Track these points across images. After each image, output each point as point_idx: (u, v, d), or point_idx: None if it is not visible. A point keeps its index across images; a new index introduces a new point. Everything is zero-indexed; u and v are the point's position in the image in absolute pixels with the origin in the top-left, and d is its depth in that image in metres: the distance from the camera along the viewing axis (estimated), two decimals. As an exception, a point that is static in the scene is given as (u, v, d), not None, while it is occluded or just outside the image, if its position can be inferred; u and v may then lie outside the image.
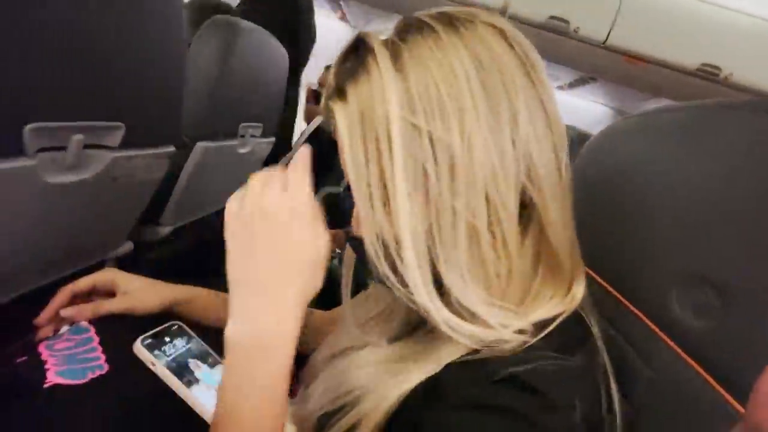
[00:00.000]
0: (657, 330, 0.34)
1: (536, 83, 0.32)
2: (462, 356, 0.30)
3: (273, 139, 1.18)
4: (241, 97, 0.93)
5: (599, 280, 0.42)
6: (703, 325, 0.30)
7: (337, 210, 1.34)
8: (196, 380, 0.43)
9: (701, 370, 0.30)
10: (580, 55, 1.57)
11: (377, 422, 0.31)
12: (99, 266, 0.70)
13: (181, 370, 0.43)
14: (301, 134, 1.98)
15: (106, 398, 0.41)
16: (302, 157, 0.32)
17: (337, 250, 1.12)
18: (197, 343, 0.48)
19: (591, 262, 0.35)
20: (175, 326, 0.49)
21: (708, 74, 1.41)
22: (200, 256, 1.15)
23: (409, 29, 0.32)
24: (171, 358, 0.44)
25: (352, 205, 0.34)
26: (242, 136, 1.00)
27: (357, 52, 0.33)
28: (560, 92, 2.68)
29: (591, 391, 0.29)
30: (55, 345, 0.44)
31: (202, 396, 0.42)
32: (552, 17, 1.40)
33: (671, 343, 0.33)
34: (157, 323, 0.47)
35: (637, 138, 0.47)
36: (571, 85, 2.47)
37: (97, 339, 0.45)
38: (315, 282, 0.30)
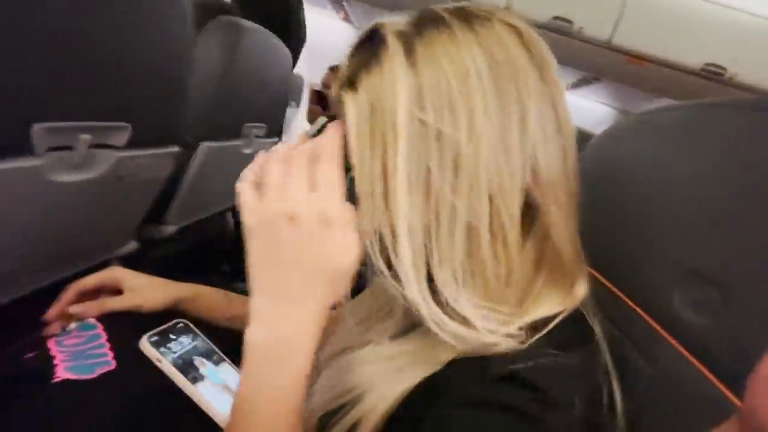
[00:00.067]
0: (659, 328, 0.35)
1: (549, 85, 0.31)
2: (462, 354, 0.30)
3: (277, 139, 1.18)
4: (245, 98, 0.94)
5: (602, 279, 0.42)
6: (703, 322, 0.31)
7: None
8: (201, 377, 0.44)
9: (702, 367, 0.30)
10: (583, 56, 1.57)
11: (378, 421, 0.31)
12: (104, 265, 0.70)
13: (187, 367, 0.44)
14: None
15: (113, 394, 0.41)
16: (331, 149, 0.30)
17: None
18: (202, 341, 0.49)
19: (593, 261, 0.36)
20: (181, 324, 0.49)
21: (712, 74, 1.40)
22: (204, 255, 1.16)
23: (425, 22, 0.32)
24: (177, 355, 0.45)
25: (354, 200, 0.34)
26: (246, 137, 1.01)
27: (371, 42, 0.33)
28: (563, 92, 2.66)
29: (592, 389, 0.29)
30: (63, 341, 0.44)
31: (207, 393, 0.42)
32: (555, 17, 1.40)
33: (673, 341, 0.33)
34: (162, 321, 0.48)
35: (638, 137, 0.47)
36: (575, 86, 2.46)
37: (104, 336, 0.46)
38: (340, 292, 0.29)
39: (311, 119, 1.95)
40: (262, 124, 1.05)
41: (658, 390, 0.32)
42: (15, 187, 0.46)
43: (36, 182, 0.48)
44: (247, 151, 1.04)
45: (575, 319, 0.32)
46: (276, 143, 1.18)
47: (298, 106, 2.63)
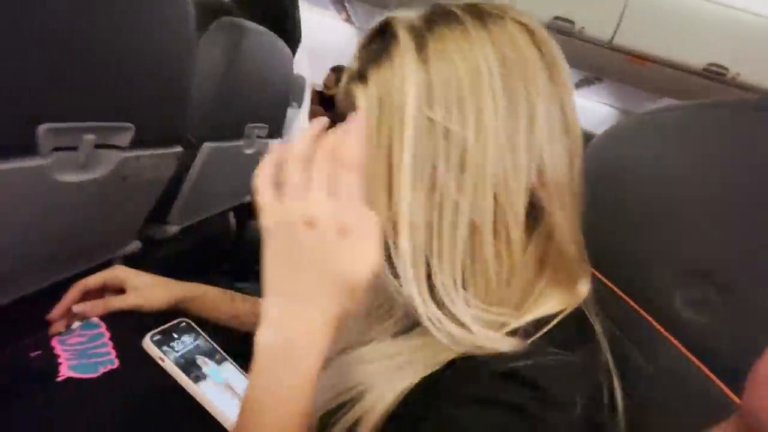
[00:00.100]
0: (660, 328, 0.35)
1: (559, 86, 0.31)
2: (462, 353, 0.30)
3: (279, 140, 1.19)
4: (247, 98, 0.94)
5: (604, 279, 0.42)
6: (704, 322, 0.31)
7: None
8: (204, 376, 0.44)
9: (703, 366, 0.30)
10: (585, 56, 1.56)
11: (378, 419, 0.31)
12: (107, 264, 0.71)
13: (189, 366, 0.44)
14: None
15: (116, 392, 0.41)
16: (354, 152, 0.28)
17: None
18: (204, 340, 0.49)
19: (594, 260, 0.36)
20: (183, 323, 0.49)
21: (715, 74, 1.40)
22: (206, 255, 1.16)
23: (437, 18, 0.32)
24: (179, 354, 0.45)
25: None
26: (248, 137, 1.01)
27: (382, 36, 0.33)
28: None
29: (593, 388, 0.29)
30: (67, 340, 0.45)
31: (209, 392, 0.43)
32: (557, 17, 1.40)
33: (674, 341, 0.33)
34: (165, 320, 0.48)
35: (639, 137, 0.47)
36: (577, 86, 2.46)
37: (107, 334, 0.46)
38: (355, 301, 0.28)
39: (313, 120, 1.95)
40: (264, 125, 1.06)
41: (659, 389, 0.33)
42: (20, 186, 0.47)
43: (41, 182, 0.48)
44: (249, 151, 1.04)
45: (576, 318, 0.32)
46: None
47: (300, 106, 2.63)
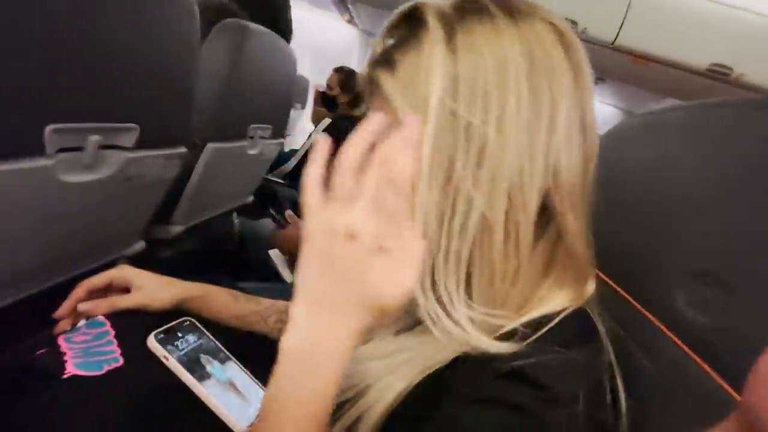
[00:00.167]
0: (662, 327, 0.35)
1: (582, 89, 0.31)
2: (462, 351, 0.30)
3: (282, 140, 1.19)
4: (250, 99, 0.95)
5: (607, 279, 0.42)
6: (706, 321, 0.31)
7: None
8: (208, 375, 0.44)
9: (705, 366, 0.30)
10: (588, 57, 1.56)
11: (378, 417, 0.31)
12: (112, 264, 0.72)
13: (193, 365, 0.45)
14: (309, 136, 2.00)
15: (120, 390, 0.42)
16: (408, 172, 0.27)
17: None
18: (208, 339, 0.49)
19: (597, 260, 0.36)
20: (187, 322, 0.50)
21: (719, 74, 1.39)
22: (210, 255, 1.17)
23: (468, 9, 0.31)
24: (183, 353, 0.45)
25: None
26: (251, 138, 1.02)
27: (411, 21, 0.32)
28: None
29: (595, 386, 0.29)
30: (73, 338, 0.45)
31: (213, 391, 0.43)
32: (559, 18, 1.39)
33: (676, 340, 0.33)
34: (169, 319, 0.49)
35: (642, 137, 0.47)
36: (580, 86, 2.44)
37: (112, 333, 0.47)
38: (383, 322, 0.28)
39: (316, 120, 1.96)
40: (267, 126, 1.06)
41: (661, 388, 0.33)
42: (27, 186, 0.47)
43: (47, 182, 0.49)
44: (253, 152, 1.05)
45: (579, 317, 0.32)
46: (281, 144, 1.19)
47: (303, 107, 2.64)
